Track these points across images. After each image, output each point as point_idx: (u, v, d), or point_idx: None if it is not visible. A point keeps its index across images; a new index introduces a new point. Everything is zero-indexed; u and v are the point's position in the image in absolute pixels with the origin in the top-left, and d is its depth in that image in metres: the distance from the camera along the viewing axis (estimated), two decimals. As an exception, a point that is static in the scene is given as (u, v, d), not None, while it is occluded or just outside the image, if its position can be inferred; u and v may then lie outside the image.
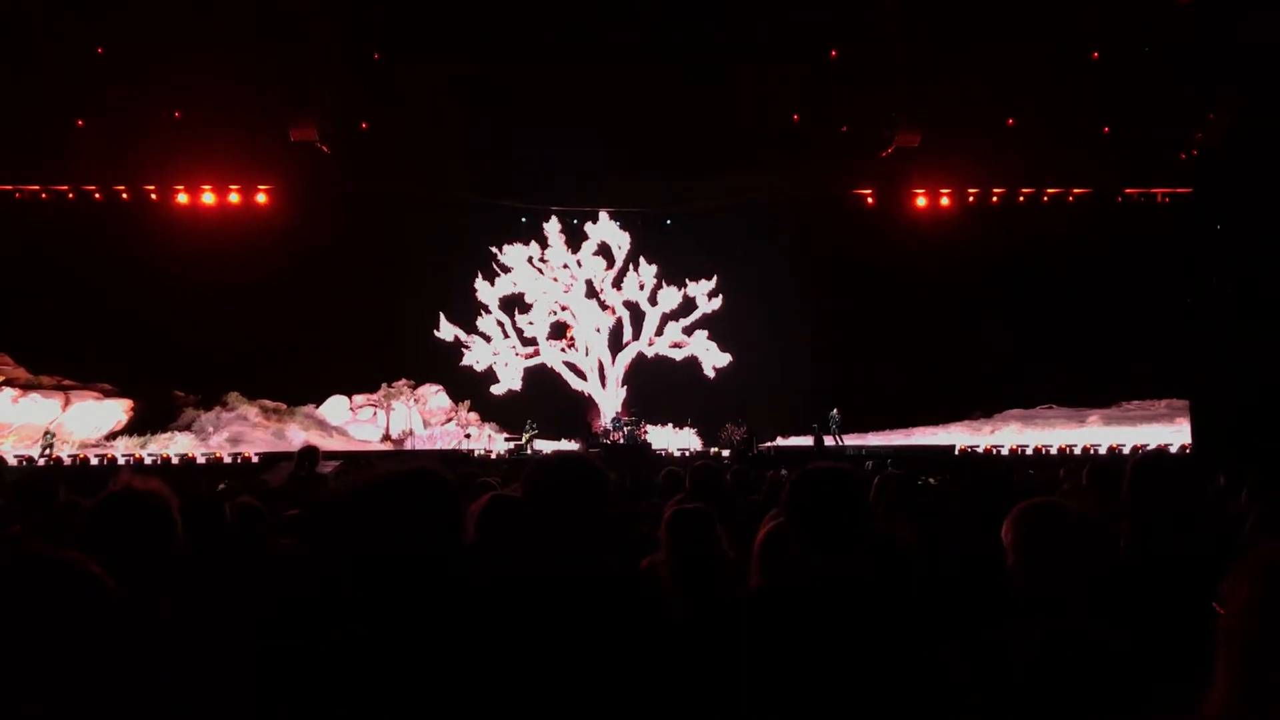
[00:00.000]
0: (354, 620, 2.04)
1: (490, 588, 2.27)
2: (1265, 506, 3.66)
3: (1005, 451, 21.47)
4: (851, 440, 22.00)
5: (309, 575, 2.94)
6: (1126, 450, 20.91)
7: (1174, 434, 21.94)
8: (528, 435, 21.86)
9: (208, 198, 21.37)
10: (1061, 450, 21.19)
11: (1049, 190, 22.28)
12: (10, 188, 20.88)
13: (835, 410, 21.86)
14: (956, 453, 21.37)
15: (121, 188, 21.25)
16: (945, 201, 22.24)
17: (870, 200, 22.54)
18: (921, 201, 22.15)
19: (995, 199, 22.40)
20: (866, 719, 1.98)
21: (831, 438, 21.67)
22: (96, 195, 21.30)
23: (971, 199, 22.35)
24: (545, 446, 22.09)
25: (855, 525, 2.37)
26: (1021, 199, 22.35)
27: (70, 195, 21.17)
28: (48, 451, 20.60)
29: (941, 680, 2.07)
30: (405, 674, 2.00)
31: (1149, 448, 21.08)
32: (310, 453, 8.71)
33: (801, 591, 1.87)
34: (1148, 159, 21.40)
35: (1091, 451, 20.63)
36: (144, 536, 2.35)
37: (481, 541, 3.04)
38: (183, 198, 21.40)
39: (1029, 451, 21.34)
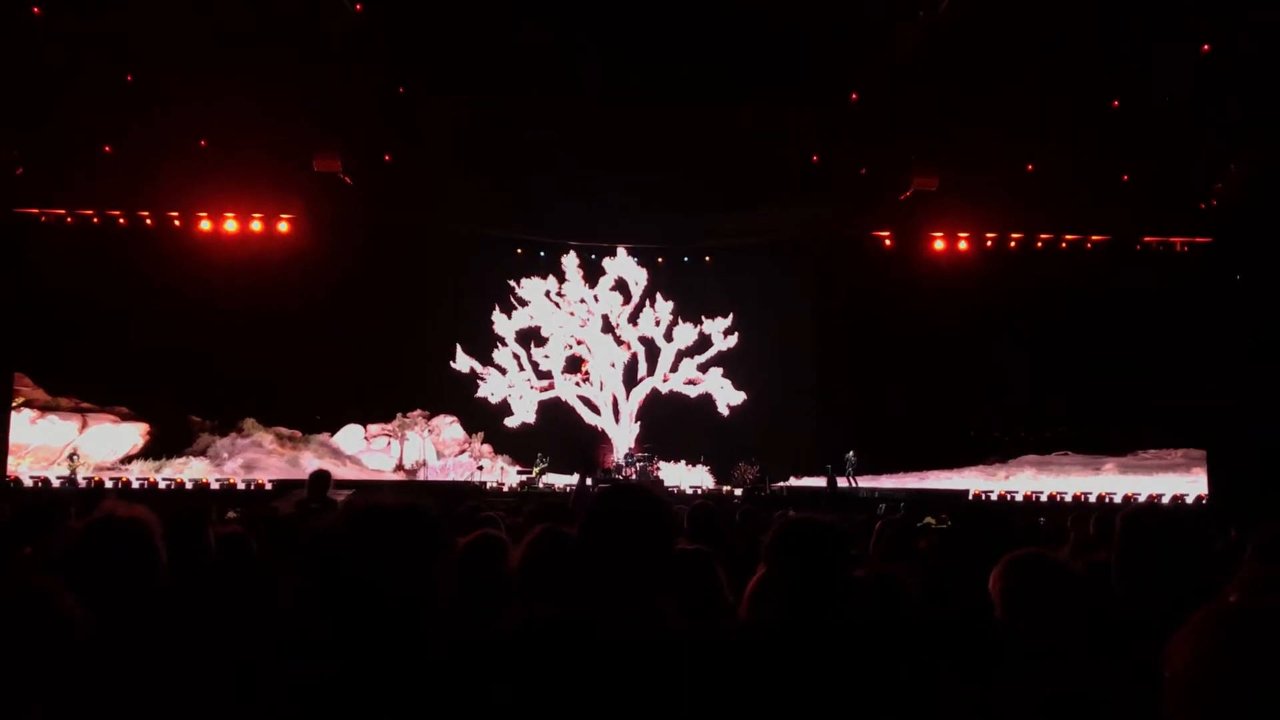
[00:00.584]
0: (329, 651, 2.03)
1: (529, 629, 2.25)
2: (1265, 565, 3.64)
3: (1019, 497, 21.33)
4: (865, 482, 21.91)
5: (294, 605, 2.93)
6: (1141, 499, 20.76)
7: (1190, 484, 21.76)
8: (538, 469, 21.87)
9: (230, 225, 21.61)
10: (1076, 498, 21.04)
11: (1067, 236, 22.27)
12: (36, 211, 21.13)
13: (851, 452, 21.79)
14: (970, 497, 21.25)
15: (146, 213, 21.51)
16: (963, 245, 22.24)
17: (888, 242, 22.56)
18: (939, 245, 22.17)
19: (1013, 244, 22.40)
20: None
21: (846, 479, 21.58)
22: (121, 220, 21.54)
23: (989, 243, 22.35)
24: (557, 480, 22.08)
25: (834, 571, 2.36)
26: (1039, 244, 22.34)
27: (95, 220, 21.42)
28: (73, 472, 20.75)
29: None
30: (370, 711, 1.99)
31: (1163, 498, 20.95)
32: (321, 478, 8.72)
33: (775, 629, 1.86)
34: (1167, 208, 21.38)
35: (1106, 500, 20.48)
36: (125, 564, 2.37)
37: (526, 578, 3.00)
38: (205, 224, 21.64)
39: (1043, 498, 21.21)
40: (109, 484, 20.53)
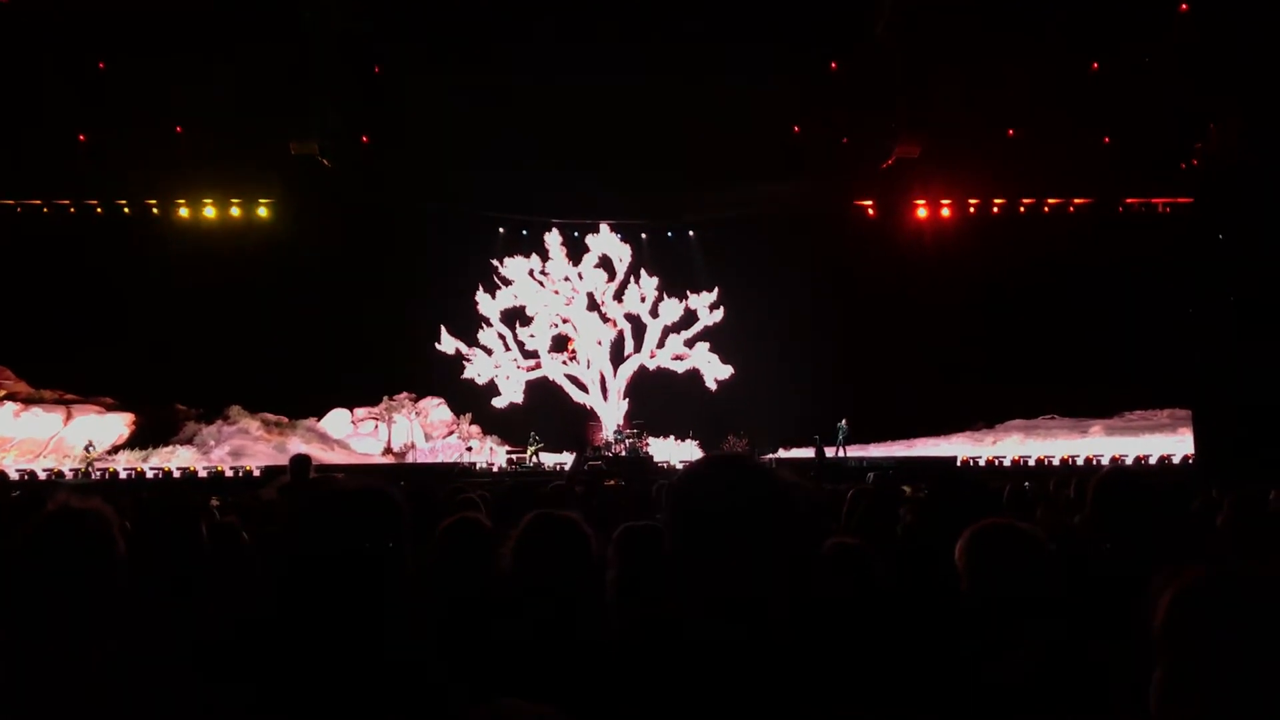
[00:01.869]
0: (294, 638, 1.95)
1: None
2: (1231, 513, 3.64)
3: (1007, 462, 21.38)
4: (854, 451, 21.92)
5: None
6: (1129, 460, 20.84)
7: (1177, 444, 21.84)
8: (532, 449, 21.82)
9: (209, 211, 21.46)
10: (1064, 460, 21.09)
11: (1050, 200, 22.26)
12: (12, 202, 20.94)
13: (844, 421, 21.78)
14: (959, 463, 21.28)
15: (123, 202, 21.33)
16: (946, 212, 22.21)
17: (871, 211, 22.52)
18: (922, 212, 22.13)
19: (996, 209, 22.38)
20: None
21: (836, 448, 21.58)
22: (98, 209, 21.37)
23: (972, 209, 22.32)
24: (549, 459, 22.06)
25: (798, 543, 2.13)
26: (1022, 209, 22.33)
27: (72, 209, 21.24)
28: (88, 467, 20.66)
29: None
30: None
31: (1150, 458, 21.04)
32: (302, 462, 8.65)
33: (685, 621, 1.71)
34: (1149, 169, 21.36)
35: (1094, 462, 20.54)
36: (80, 560, 2.30)
37: (521, 574, 2.58)
38: (184, 211, 21.48)
39: (1031, 462, 21.25)
40: (96, 475, 20.42)
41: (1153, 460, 21.11)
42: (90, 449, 21.19)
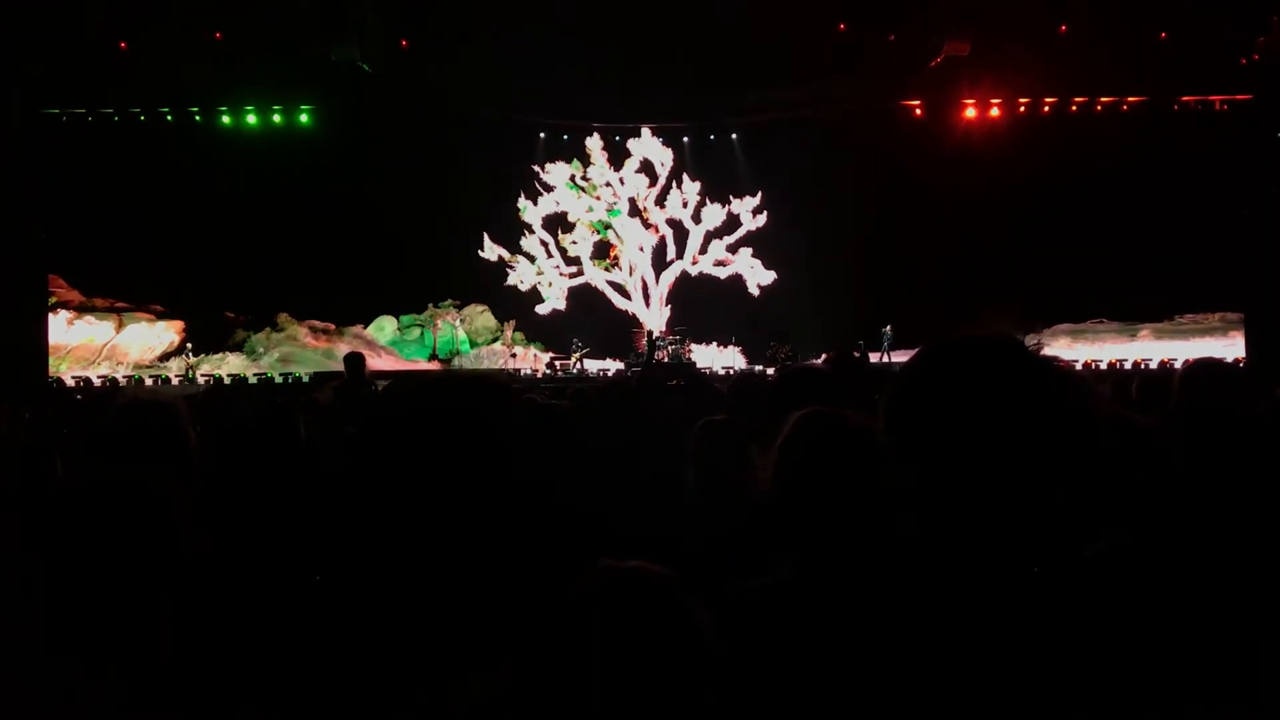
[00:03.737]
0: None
1: None
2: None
3: (1054, 366, 21.19)
4: (899, 357, 21.79)
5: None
6: (1178, 364, 20.62)
7: (1227, 347, 21.55)
8: (576, 355, 21.92)
9: (251, 119, 21.46)
10: (1112, 365, 20.93)
11: (1102, 99, 21.71)
12: (58, 111, 20.99)
13: (888, 326, 21.62)
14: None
15: (165, 109, 21.37)
16: (995, 112, 21.75)
17: (919, 112, 22.07)
18: (971, 112, 21.68)
19: (1047, 109, 21.88)
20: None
21: (881, 354, 21.46)
22: (141, 118, 21.42)
23: (1023, 109, 21.84)
24: (592, 366, 22.16)
25: None
26: (1074, 108, 21.80)
27: (116, 118, 21.30)
28: (189, 371, 21.20)
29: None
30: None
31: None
32: (356, 359, 8.72)
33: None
34: (1206, 65, 20.72)
35: (1142, 365, 20.37)
36: (156, 444, 2.37)
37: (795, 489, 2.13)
38: (227, 119, 21.50)
39: (1079, 366, 21.09)
40: (149, 382, 20.78)
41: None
42: (189, 355, 21.62)
